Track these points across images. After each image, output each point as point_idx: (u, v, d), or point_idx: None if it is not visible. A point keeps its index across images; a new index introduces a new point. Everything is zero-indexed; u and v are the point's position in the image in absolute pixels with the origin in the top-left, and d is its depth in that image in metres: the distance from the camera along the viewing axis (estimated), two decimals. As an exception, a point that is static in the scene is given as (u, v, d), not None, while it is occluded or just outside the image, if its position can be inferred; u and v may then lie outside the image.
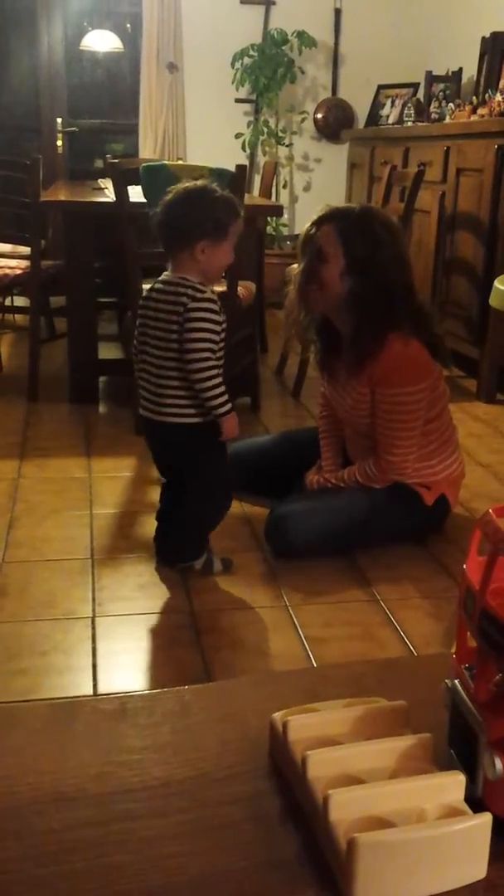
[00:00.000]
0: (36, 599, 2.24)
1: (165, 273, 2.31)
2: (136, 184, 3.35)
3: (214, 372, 2.22)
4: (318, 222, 2.42)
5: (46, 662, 1.98)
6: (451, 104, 5.02)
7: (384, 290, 2.39)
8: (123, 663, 2.01)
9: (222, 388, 2.24)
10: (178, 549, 2.42)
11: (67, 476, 3.05)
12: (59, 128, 6.26)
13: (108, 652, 2.03)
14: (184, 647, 2.07)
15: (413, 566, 2.49)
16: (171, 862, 0.72)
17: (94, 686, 1.89)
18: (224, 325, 2.28)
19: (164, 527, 2.46)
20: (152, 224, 2.28)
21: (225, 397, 2.24)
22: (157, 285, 2.30)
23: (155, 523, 2.49)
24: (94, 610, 2.20)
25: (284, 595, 2.31)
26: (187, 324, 2.20)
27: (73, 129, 6.35)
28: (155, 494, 2.89)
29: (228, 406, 2.25)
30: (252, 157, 6.17)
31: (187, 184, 2.28)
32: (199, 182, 2.33)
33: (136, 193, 3.37)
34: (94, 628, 2.12)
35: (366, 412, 2.51)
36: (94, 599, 2.25)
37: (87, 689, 1.88)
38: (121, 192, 3.31)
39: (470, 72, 5.29)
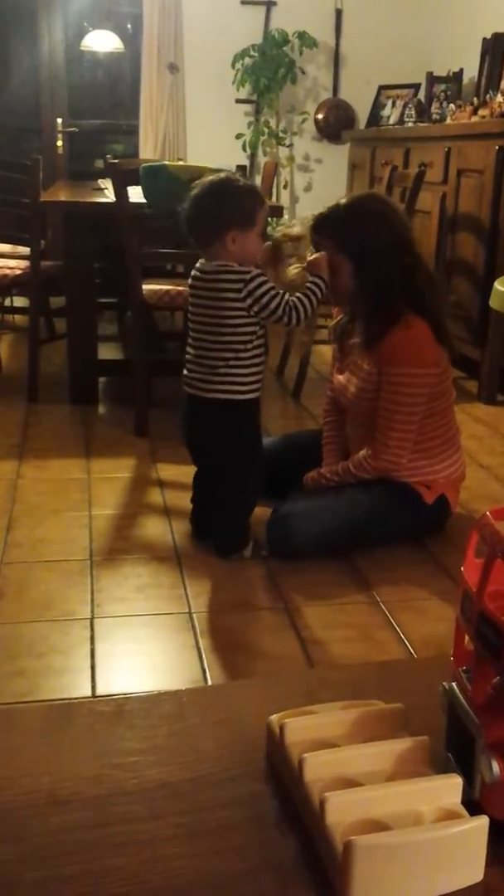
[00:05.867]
0: (34, 601, 2.24)
1: (201, 261, 2.42)
2: (137, 184, 3.35)
3: (288, 307, 2.35)
4: (316, 239, 2.48)
5: (44, 664, 1.97)
6: (451, 105, 5.02)
7: (386, 275, 2.43)
8: (122, 665, 2.00)
9: (305, 303, 2.38)
10: (228, 541, 2.52)
11: (67, 477, 3.05)
12: (60, 128, 6.26)
13: (106, 654, 2.03)
14: (182, 648, 2.06)
15: (413, 568, 2.49)
16: (168, 864, 0.71)
17: (93, 688, 1.89)
18: None
19: (201, 511, 2.61)
20: (181, 221, 2.38)
21: (309, 298, 2.39)
22: (196, 273, 2.42)
23: (158, 525, 2.49)
24: (92, 611, 2.20)
25: (284, 597, 2.31)
26: (258, 300, 2.33)
27: (74, 129, 6.35)
28: (154, 496, 2.90)
29: (315, 288, 2.40)
30: (252, 157, 6.16)
31: (211, 177, 2.39)
32: (222, 174, 2.43)
33: (136, 194, 3.37)
34: (92, 630, 2.12)
35: (370, 396, 2.52)
36: (92, 601, 2.25)
37: (86, 691, 1.88)
38: (121, 193, 3.31)
39: (471, 73, 5.29)
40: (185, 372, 2.48)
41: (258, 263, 2.44)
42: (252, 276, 2.34)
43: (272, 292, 2.34)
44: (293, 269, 2.52)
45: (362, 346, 2.52)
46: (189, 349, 2.47)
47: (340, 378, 2.67)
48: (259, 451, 2.54)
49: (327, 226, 2.47)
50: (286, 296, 2.36)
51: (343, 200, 2.52)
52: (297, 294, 2.37)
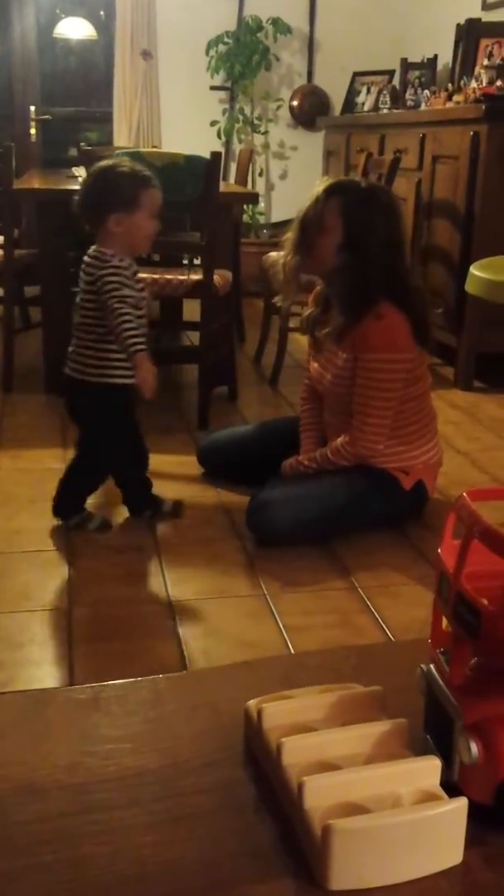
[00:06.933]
0: (11, 591, 2.23)
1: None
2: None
3: (129, 317, 2.32)
4: (328, 193, 2.46)
5: (22, 655, 1.96)
6: (426, 91, 5.01)
7: (371, 270, 2.43)
8: (100, 654, 1.99)
9: (137, 332, 2.33)
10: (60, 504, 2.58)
11: (43, 467, 3.02)
12: (33, 116, 6.21)
13: (84, 643, 2.02)
14: (161, 636, 2.06)
15: (391, 554, 2.49)
16: (145, 852, 0.71)
17: (71, 677, 1.88)
18: (140, 295, 2.42)
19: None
20: (74, 207, 2.45)
21: (138, 339, 2.33)
22: (84, 258, 2.46)
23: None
24: (70, 601, 2.19)
25: (263, 584, 2.31)
26: (102, 286, 2.34)
27: (47, 117, 6.30)
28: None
29: (142, 347, 2.33)
30: (227, 144, 6.15)
31: (98, 163, 2.46)
32: (109, 160, 2.50)
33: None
34: (70, 619, 2.11)
35: (346, 383, 2.52)
36: (70, 591, 2.24)
37: (64, 681, 1.87)
38: (95, 180, 3.27)
39: (445, 59, 5.29)
40: None
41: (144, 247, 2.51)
42: (108, 264, 2.36)
43: (114, 292, 2.33)
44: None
45: (333, 336, 2.52)
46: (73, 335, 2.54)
47: (316, 366, 2.66)
48: (110, 440, 2.54)
49: (342, 189, 2.47)
50: (123, 306, 2.32)
51: (363, 181, 2.54)
52: (127, 318, 2.32)
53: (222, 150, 5.84)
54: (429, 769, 0.73)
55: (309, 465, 2.60)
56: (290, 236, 2.54)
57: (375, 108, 5.62)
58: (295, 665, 1.00)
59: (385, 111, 5.37)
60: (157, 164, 3.27)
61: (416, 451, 2.58)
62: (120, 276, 2.36)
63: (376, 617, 2.16)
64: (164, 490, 2.73)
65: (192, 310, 4.00)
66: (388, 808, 0.71)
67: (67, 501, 2.57)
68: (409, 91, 5.31)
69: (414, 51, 5.58)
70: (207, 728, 0.85)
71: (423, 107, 4.91)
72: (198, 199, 3.33)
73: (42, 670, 1.91)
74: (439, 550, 0.79)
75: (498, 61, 4.43)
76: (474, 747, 0.72)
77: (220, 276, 3.55)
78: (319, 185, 2.51)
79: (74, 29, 6.03)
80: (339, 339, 2.51)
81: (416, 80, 5.35)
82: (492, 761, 0.72)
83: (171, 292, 3.56)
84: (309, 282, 2.73)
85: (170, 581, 2.30)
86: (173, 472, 3.00)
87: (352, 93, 6.10)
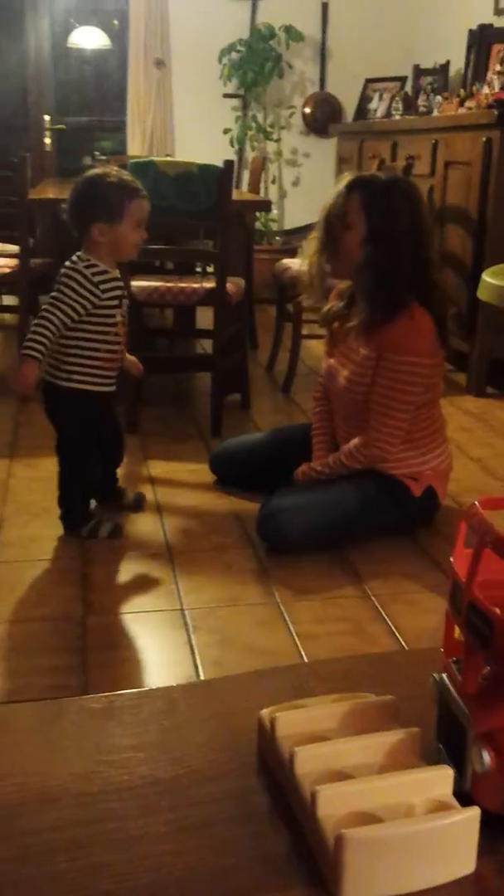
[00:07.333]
0: (25, 599, 2.23)
1: None
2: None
3: (47, 321, 2.36)
4: (349, 188, 2.47)
5: (37, 663, 1.97)
6: (438, 97, 5.02)
7: (396, 261, 2.44)
8: (114, 662, 2.00)
9: (38, 337, 2.35)
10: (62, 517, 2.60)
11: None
12: (47, 125, 6.24)
13: (98, 651, 2.02)
14: (174, 645, 2.06)
15: (404, 561, 2.49)
16: (159, 861, 0.71)
17: (85, 686, 1.88)
18: (100, 300, 2.42)
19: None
20: (61, 214, 2.51)
21: (31, 344, 2.35)
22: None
23: (149, 521, 2.49)
24: (83, 609, 2.20)
25: (275, 592, 2.31)
26: (55, 285, 2.42)
27: (61, 126, 6.34)
28: (145, 493, 2.88)
29: (28, 352, 2.35)
30: (240, 152, 6.16)
31: (89, 171, 2.49)
32: (99, 169, 2.52)
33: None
34: (84, 627, 2.11)
35: (365, 383, 2.52)
36: (84, 599, 2.24)
37: (78, 689, 1.87)
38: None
39: (457, 65, 5.29)
40: None
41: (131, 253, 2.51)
42: (72, 268, 2.41)
43: (57, 294, 2.39)
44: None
45: (362, 330, 2.51)
46: None
47: (332, 361, 2.67)
48: (76, 444, 2.55)
49: (363, 183, 2.48)
50: (54, 314, 2.37)
51: (383, 174, 2.56)
52: (44, 322, 2.37)
53: (235, 157, 5.87)
54: (441, 779, 0.73)
55: (322, 471, 2.60)
56: (315, 236, 2.55)
57: (388, 114, 5.63)
58: (308, 674, 1.00)
59: (397, 118, 5.37)
60: (171, 174, 3.29)
61: (424, 457, 2.58)
62: (76, 283, 2.39)
63: (389, 625, 2.16)
64: (175, 498, 2.74)
65: (205, 318, 4.01)
66: (401, 817, 0.71)
67: (71, 512, 2.57)
68: (422, 97, 5.32)
69: (426, 57, 5.59)
70: (221, 737, 0.86)
71: (435, 113, 4.92)
72: (211, 208, 3.34)
73: (56, 678, 1.91)
74: (451, 559, 0.79)
75: (510, 67, 4.43)
76: (487, 757, 0.72)
77: (233, 284, 3.56)
78: (341, 181, 2.52)
79: (88, 38, 6.07)
80: (365, 333, 2.50)
81: (429, 87, 5.36)
82: (504, 771, 0.72)
83: (184, 300, 3.57)
84: (330, 285, 2.73)
85: (182, 589, 2.31)
86: (186, 480, 3.01)
87: (364, 99, 6.10)
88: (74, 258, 2.45)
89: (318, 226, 2.54)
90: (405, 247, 2.45)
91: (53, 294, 2.41)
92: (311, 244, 2.57)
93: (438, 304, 2.52)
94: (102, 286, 2.42)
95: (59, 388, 2.48)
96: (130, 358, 2.63)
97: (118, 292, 2.48)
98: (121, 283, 2.50)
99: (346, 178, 2.52)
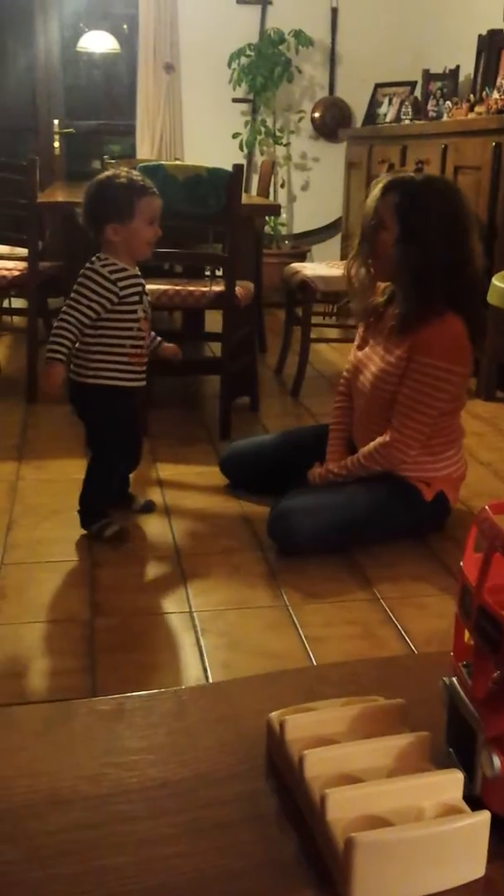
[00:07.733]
0: (34, 601, 2.24)
1: None
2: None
3: (64, 322, 2.44)
4: (383, 190, 2.48)
5: (45, 665, 1.97)
6: (448, 102, 5.01)
7: (429, 260, 2.43)
8: (123, 665, 2.00)
9: (60, 339, 2.44)
10: (80, 513, 2.60)
11: (66, 478, 3.04)
12: (56, 129, 6.26)
13: (107, 653, 2.02)
14: (183, 647, 2.06)
15: (413, 565, 2.49)
16: (168, 863, 0.71)
17: (94, 688, 1.89)
18: (119, 297, 2.45)
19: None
20: (77, 219, 2.55)
21: (54, 346, 2.44)
22: None
23: (158, 524, 2.49)
24: (92, 611, 2.20)
25: (284, 594, 2.30)
26: (74, 285, 2.47)
27: (70, 130, 6.35)
28: (154, 495, 2.89)
29: (52, 355, 2.44)
30: (250, 156, 6.17)
31: (99, 175, 2.54)
32: (109, 171, 2.56)
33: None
34: (92, 630, 2.11)
35: (393, 382, 2.52)
36: (93, 601, 2.25)
37: (87, 692, 1.87)
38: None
39: (467, 69, 5.28)
40: None
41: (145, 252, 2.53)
42: (91, 267, 2.46)
43: (76, 295, 2.44)
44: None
45: (396, 329, 2.51)
46: None
47: (360, 354, 2.67)
48: (109, 440, 2.58)
49: (397, 184, 2.48)
50: (73, 314, 2.43)
51: (418, 174, 2.55)
52: (64, 323, 2.44)
53: (244, 161, 5.86)
54: (451, 782, 0.73)
55: (339, 474, 2.60)
56: (356, 241, 2.58)
57: (397, 119, 5.63)
58: (317, 677, 1.00)
59: (407, 122, 5.37)
60: (180, 178, 3.29)
61: (439, 463, 2.57)
62: (93, 283, 2.44)
63: (399, 628, 2.15)
64: (184, 501, 2.74)
65: (214, 321, 4.01)
66: (411, 821, 0.71)
67: (91, 507, 2.59)
68: (431, 102, 5.31)
69: (436, 62, 5.59)
70: (230, 740, 0.86)
71: (444, 118, 4.91)
72: (220, 212, 3.34)
73: (65, 681, 1.91)
74: (461, 563, 0.79)
75: (520, 72, 4.43)
76: (497, 761, 0.72)
77: (242, 288, 3.57)
78: (377, 183, 2.53)
79: (98, 43, 6.08)
80: (400, 333, 2.49)
81: (438, 91, 5.35)
82: (514, 775, 0.72)
83: (193, 304, 3.57)
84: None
85: (191, 592, 2.31)
86: (195, 483, 3.01)
87: (373, 104, 6.10)
88: (93, 258, 2.49)
89: (360, 230, 2.57)
90: (438, 246, 2.43)
91: (73, 295, 2.45)
92: (355, 248, 2.60)
93: (472, 308, 2.48)
94: (121, 283, 2.46)
95: (86, 385, 2.51)
96: (168, 345, 2.70)
97: (138, 288, 2.51)
98: (140, 280, 2.53)
99: (384, 179, 2.53)
